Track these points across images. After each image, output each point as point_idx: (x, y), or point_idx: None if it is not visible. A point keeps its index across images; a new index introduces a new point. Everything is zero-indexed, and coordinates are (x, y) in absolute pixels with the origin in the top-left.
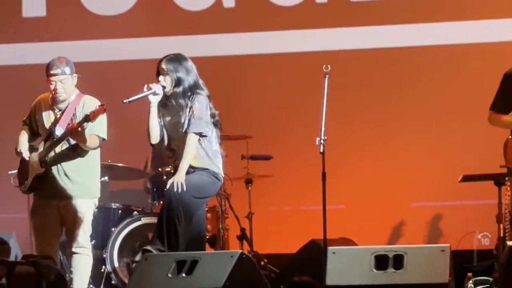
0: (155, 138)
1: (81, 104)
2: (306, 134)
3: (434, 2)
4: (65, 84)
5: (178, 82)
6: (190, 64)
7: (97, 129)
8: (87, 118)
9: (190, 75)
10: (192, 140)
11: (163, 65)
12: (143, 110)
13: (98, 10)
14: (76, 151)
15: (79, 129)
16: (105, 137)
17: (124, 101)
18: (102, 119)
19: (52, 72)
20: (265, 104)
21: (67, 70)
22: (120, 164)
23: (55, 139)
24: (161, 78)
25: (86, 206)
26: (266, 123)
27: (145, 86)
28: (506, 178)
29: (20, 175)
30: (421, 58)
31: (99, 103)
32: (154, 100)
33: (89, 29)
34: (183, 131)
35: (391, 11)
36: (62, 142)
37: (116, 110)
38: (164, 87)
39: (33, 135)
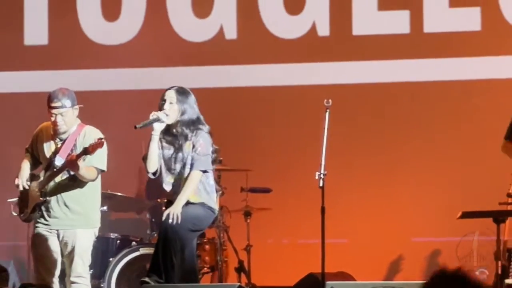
0: (153, 166)
1: (82, 135)
2: (305, 168)
3: (437, 38)
4: (66, 117)
5: (184, 112)
6: (194, 98)
7: (96, 161)
8: (86, 151)
9: (194, 109)
10: (196, 176)
11: (172, 94)
12: (143, 140)
13: (100, 39)
14: (76, 182)
15: (78, 162)
16: (104, 168)
17: (137, 126)
18: (101, 151)
19: (52, 105)
20: (265, 137)
21: (68, 103)
22: (119, 194)
23: (54, 170)
24: (167, 106)
25: (86, 236)
26: (266, 156)
27: (152, 113)
28: None
29: (20, 204)
30: (422, 93)
31: (99, 135)
32: (158, 128)
33: (91, 58)
34: (183, 166)
35: (394, 45)
36: (63, 173)
37: (116, 140)
38: (168, 116)
39: (36, 163)
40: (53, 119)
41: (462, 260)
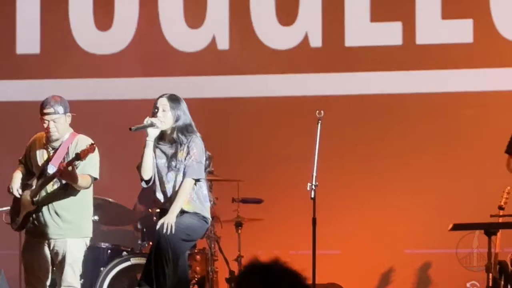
0: (148, 173)
1: (74, 144)
2: (297, 179)
3: (429, 50)
4: (58, 124)
5: (178, 119)
6: (186, 105)
7: (89, 169)
8: (78, 157)
9: (187, 115)
10: (188, 184)
11: (164, 102)
12: (135, 150)
13: (92, 49)
14: (68, 190)
15: (70, 168)
16: (97, 176)
17: (132, 128)
18: (94, 158)
19: (45, 111)
20: (257, 147)
21: (60, 109)
22: (110, 200)
23: (46, 177)
24: (160, 114)
25: (77, 245)
26: (258, 167)
27: (146, 118)
28: None
29: (12, 213)
30: (414, 105)
31: (90, 142)
32: (152, 134)
33: (83, 67)
34: (177, 174)
35: (386, 57)
36: (54, 181)
37: (108, 150)
38: (162, 122)
39: (29, 174)
40: (45, 125)
41: (462, 261)
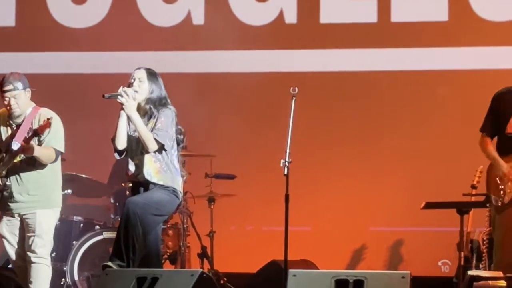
0: (121, 143)
1: (37, 118)
2: (270, 155)
3: (404, 28)
4: (18, 100)
5: (152, 91)
6: (162, 82)
7: (54, 143)
8: (36, 133)
9: (162, 89)
10: (151, 136)
11: (141, 73)
12: (109, 123)
13: (67, 22)
14: (35, 165)
15: (31, 143)
16: (62, 150)
17: (105, 96)
18: (59, 132)
19: (4, 88)
20: (230, 123)
21: (19, 85)
22: (84, 175)
23: (11, 154)
24: (136, 83)
25: (46, 216)
26: (231, 142)
27: (120, 88)
28: (488, 205)
29: None
30: (388, 83)
31: (52, 116)
32: (129, 106)
33: (58, 41)
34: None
35: (360, 34)
36: (21, 157)
37: (81, 123)
38: (137, 92)
39: None
40: (6, 102)
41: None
